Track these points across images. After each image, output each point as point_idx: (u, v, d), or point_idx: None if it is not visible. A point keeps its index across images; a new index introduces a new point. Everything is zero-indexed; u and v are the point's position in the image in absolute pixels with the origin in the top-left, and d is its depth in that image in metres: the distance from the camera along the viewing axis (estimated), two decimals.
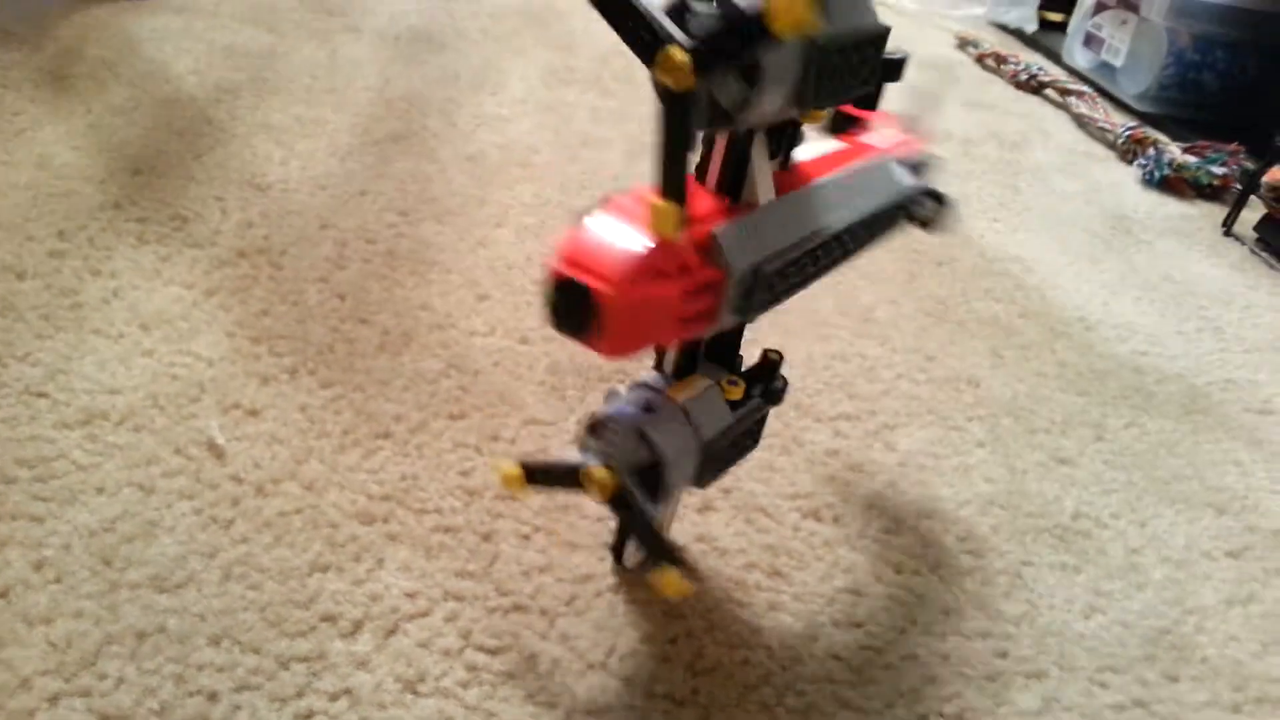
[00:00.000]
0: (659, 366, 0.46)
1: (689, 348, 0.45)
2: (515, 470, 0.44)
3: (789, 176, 0.43)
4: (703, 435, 0.43)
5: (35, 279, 0.63)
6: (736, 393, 0.44)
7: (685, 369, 0.46)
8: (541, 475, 0.44)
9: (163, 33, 1.00)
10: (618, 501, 0.42)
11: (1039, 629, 0.55)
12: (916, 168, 0.51)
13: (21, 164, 0.74)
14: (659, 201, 0.33)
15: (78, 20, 0.98)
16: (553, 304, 0.36)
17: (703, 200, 0.40)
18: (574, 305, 0.35)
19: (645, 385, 0.45)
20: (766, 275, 0.39)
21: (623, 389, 0.45)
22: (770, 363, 0.48)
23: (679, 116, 0.32)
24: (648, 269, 0.35)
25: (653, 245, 0.35)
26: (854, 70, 0.37)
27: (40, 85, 0.85)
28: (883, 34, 0.37)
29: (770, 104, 0.35)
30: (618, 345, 0.35)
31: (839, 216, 0.44)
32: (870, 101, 0.48)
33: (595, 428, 0.43)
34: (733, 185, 0.40)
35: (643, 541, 0.44)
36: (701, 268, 0.37)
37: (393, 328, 0.67)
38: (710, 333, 0.42)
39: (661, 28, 0.31)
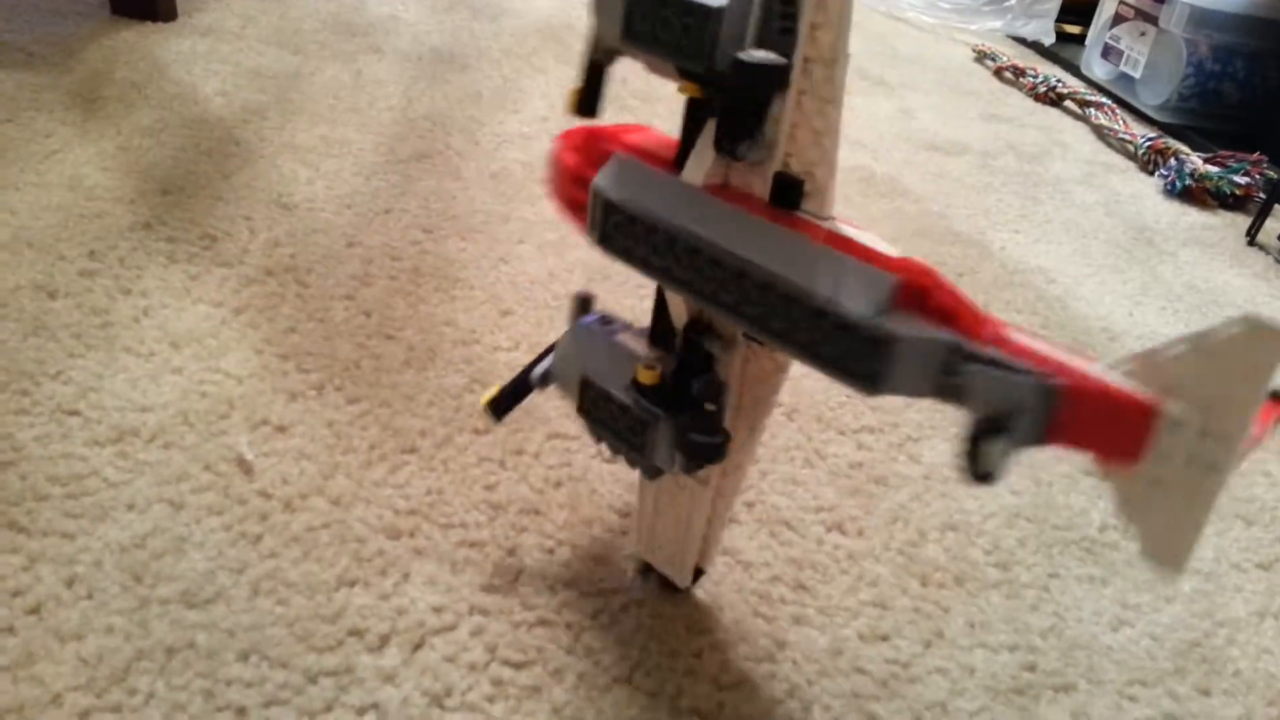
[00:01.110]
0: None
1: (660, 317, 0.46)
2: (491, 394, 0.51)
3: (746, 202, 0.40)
4: (582, 366, 0.45)
5: (67, 298, 0.65)
6: (646, 376, 0.42)
7: (655, 337, 0.46)
8: (506, 399, 0.50)
9: (189, 55, 1.02)
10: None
11: (1067, 642, 0.55)
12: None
13: (53, 185, 0.76)
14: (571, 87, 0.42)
15: (106, 43, 1.00)
16: None
17: (648, 148, 0.43)
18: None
19: (630, 328, 0.47)
20: (620, 216, 0.41)
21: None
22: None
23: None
24: (570, 144, 0.45)
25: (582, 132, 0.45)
26: (668, 26, 0.37)
27: (70, 108, 0.87)
28: (708, 10, 0.36)
29: (605, 31, 0.40)
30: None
31: (730, 243, 0.39)
32: (738, 118, 0.39)
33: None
34: (680, 160, 0.41)
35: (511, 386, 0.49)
36: (586, 166, 0.43)
37: (418, 344, 0.67)
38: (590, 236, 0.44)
39: None
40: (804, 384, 0.71)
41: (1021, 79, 1.55)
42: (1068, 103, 1.49)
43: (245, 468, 0.55)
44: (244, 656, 0.45)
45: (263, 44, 1.08)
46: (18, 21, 1.01)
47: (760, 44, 0.37)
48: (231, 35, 1.09)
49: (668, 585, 0.53)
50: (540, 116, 1.06)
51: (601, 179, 0.42)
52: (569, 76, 1.18)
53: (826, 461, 0.64)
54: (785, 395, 0.70)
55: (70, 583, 0.47)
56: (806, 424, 0.67)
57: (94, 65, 0.95)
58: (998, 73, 1.60)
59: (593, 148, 0.44)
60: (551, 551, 0.54)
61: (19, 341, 0.60)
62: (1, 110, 0.84)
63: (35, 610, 0.45)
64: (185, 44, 1.04)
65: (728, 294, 0.39)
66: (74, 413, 0.56)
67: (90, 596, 0.46)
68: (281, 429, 0.58)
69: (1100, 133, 1.41)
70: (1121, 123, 1.39)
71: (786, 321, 0.37)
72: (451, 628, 0.49)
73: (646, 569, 0.53)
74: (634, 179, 0.41)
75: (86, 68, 0.94)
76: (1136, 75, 1.53)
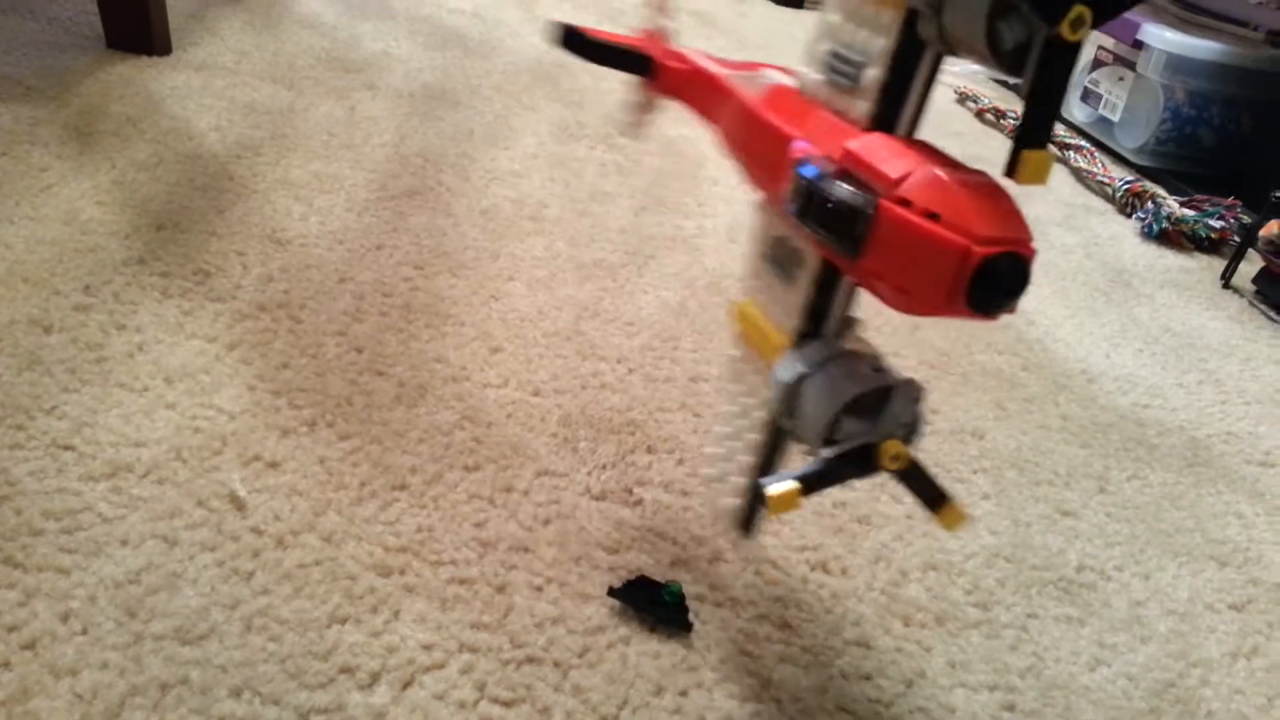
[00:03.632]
0: None
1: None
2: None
3: None
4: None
5: (62, 333, 0.65)
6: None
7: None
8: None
9: (184, 90, 1.03)
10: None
11: (1045, 682, 0.56)
12: None
13: (48, 219, 0.76)
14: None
15: (101, 77, 1.01)
16: None
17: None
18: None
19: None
20: None
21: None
22: None
23: (1069, 65, 0.34)
24: None
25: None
26: None
27: (66, 141, 0.88)
28: None
29: None
30: None
31: None
32: None
33: None
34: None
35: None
36: None
37: (408, 380, 0.68)
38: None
39: None
40: None
41: (1003, 120, 1.59)
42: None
43: (238, 504, 0.56)
44: (236, 693, 0.46)
45: (257, 79, 1.10)
46: (15, 54, 1.02)
47: None
48: (226, 70, 1.10)
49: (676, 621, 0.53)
50: (530, 154, 1.08)
51: None
52: (559, 114, 1.20)
53: (811, 501, 0.65)
54: None
55: (65, 618, 0.47)
56: (792, 463, 0.68)
57: (90, 99, 0.96)
58: (979, 114, 1.63)
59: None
60: (540, 589, 0.55)
61: (14, 376, 0.61)
62: None
63: (31, 645, 0.46)
64: (180, 78, 1.05)
65: None
66: (68, 448, 0.57)
67: (85, 632, 0.47)
68: (274, 465, 0.59)
69: (1079, 175, 1.44)
70: (1100, 165, 1.42)
71: None
72: (441, 665, 0.49)
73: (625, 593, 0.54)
74: None
75: (82, 101, 0.95)
76: (1115, 119, 1.56)
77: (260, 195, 0.87)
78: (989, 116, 1.61)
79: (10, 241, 0.73)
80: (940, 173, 0.36)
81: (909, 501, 0.67)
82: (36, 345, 0.64)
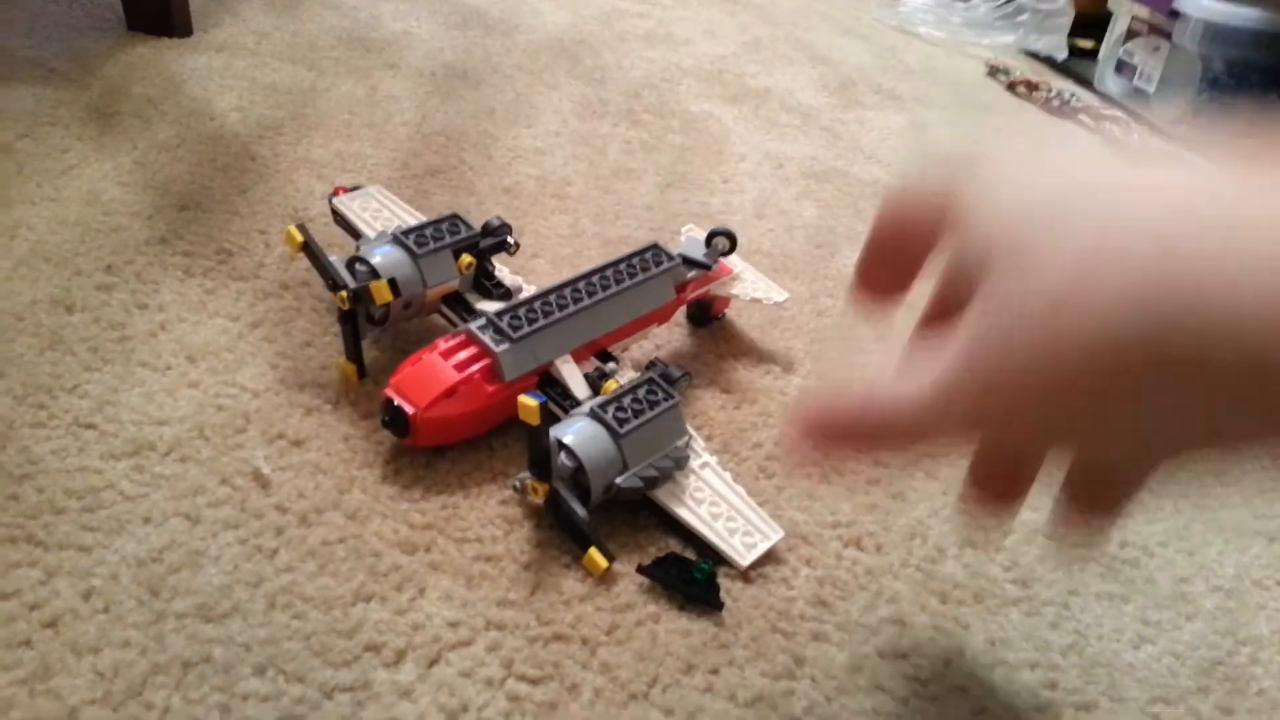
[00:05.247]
0: None
1: None
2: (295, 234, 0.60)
3: None
4: None
5: (84, 312, 0.65)
6: None
7: None
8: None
9: (205, 71, 1.02)
10: None
11: (1088, 659, 0.54)
12: None
13: (70, 200, 0.76)
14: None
15: (122, 59, 1.00)
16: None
17: None
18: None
19: None
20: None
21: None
22: None
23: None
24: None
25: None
26: None
27: (87, 123, 0.87)
28: None
29: None
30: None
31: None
32: None
33: None
34: None
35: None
36: None
37: None
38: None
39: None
40: None
41: (1035, 93, 1.55)
42: (1082, 116, 1.49)
43: (261, 481, 0.55)
44: (260, 671, 0.45)
45: (278, 60, 1.09)
46: (36, 36, 1.02)
47: None
48: (247, 51, 1.09)
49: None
50: (553, 131, 1.07)
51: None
52: (582, 92, 1.19)
53: (844, 477, 0.64)
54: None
55: (87, 596, 0.47)
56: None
57: (111, 81, 0.96)
58: (1011, 87, 1.60)
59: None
60: (567, 566, 0.54)
61: (35, 355, 0.60)
62: (19, 125, 0.85)
63: (52, 624, 0.45)
64: (201, 60, 1.04)
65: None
66: (90, 426, 0.56)
67: (107, 610, 0.46)
68: (297, 443, 0.58)
69: (1115, 147, 1.41)
70: (1137, 137, 1.39)
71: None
72: (468, 643, 0.48)
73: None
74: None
75: (103, 83, 0.95)
76: (1150, 90, 1.52)
77: (282, 175, 0.86)
78: (1020, 89, 1.58)
79: (32, 223, 0.72)
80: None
81: (944, 477, 0.66)
82: (59, 325, 0.63)
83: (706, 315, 0.77)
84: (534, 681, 0.47)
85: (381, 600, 0.50)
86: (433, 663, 0.47)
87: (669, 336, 0.75)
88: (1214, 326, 0.25)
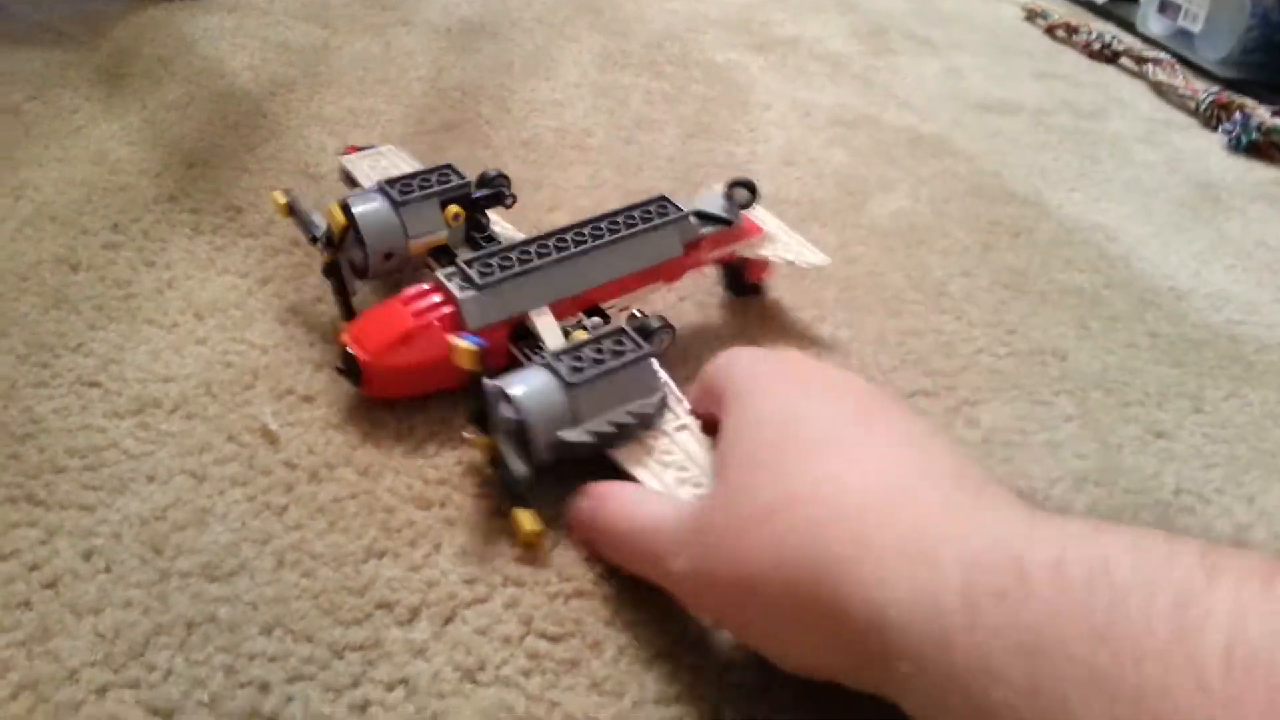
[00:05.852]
0: None
1: None
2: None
3: None
4: None
5: (90, 271, 0.63)
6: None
7: None
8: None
9: (217, 31, 1.00)
10: None
11: None
12: None
13: (78, 160, 0.74)
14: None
15: (133, 21, 0.98)
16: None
17: None
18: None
19: None
20: None
21: None
22: None
23: None
24: None
25: None
26: None
27: (96, 84, 0.86)
28: None
29: None
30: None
31: None
32: None
33: None
34: None
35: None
36: None
37: None
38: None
39: None
40: (854, 348, 0.67)
41: (1075, 37, 1.49)
42: (1124, 60, 1.43)
43: (270, 438, 0.53)
44: (267, 630, 0.43)
45: (291, 18, 1.07)
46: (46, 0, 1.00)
47: None
48: (259, 10, 1.07)
49: None
50: (573, 84, 1.03)
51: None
52: (602, 44, 1.15)
53: None
54: (838, 359, 0.66)
55: (88, 556, 0.45)
56: None
57: (121, 42, 0.94)
58: (1049, 31, 1.54)
59: None
60: None
61: (40, 314, 0.59)
62: (28, 87, 0.83)
63: (52, 584, 0.44)
64: (213, 20, 1.02)
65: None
66: (94, 384, 0.54)
67: (108, 570, 0.45)
68: (307, 399, 0.56)
69: (1159, 89, 1.35)
70: (1182, 79, 1.33)
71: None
72: (484, 600, 0.46)
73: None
74: None
75: (113, 45, 0.93)
76: (1196, 30, 1.46)
77: (293, 131, 0.84)
78: (1059, 33, 1.52)
79: (39, 183, 0.71)
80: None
81: (986, 425, 0.62)
82: (63, 283, 0.61)
83: (741, 282, 0.70)
84: (554, 639, 0.45)
85: (394, 557, 0.47)
86: (448, 620, 0.45)
87: (703, 299, 0.72)
88: (849, 593, 0.34)
